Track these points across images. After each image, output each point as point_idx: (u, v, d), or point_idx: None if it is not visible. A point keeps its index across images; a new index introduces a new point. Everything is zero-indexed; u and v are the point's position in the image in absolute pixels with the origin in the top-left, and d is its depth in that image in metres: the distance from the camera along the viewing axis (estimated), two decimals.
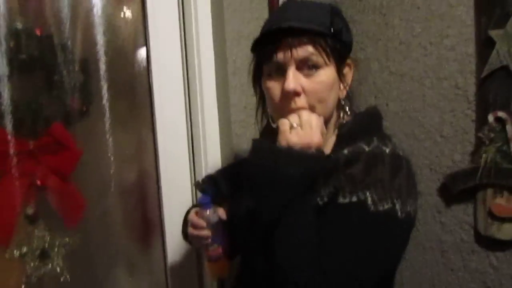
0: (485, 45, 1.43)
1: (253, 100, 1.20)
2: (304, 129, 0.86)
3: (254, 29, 1.11)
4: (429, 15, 1.58)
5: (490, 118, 1.43)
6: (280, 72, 0.92)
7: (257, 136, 1.26)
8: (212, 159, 1.43)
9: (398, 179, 0.89)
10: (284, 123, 0.89)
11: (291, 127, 0.88)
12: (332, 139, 0.99)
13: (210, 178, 1.21)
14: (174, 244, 1.45)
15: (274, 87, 0.94)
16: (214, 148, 1.43)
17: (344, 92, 0.98)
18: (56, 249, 1.42)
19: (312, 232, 0.84)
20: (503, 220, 1.46)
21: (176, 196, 1.43)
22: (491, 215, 1.47)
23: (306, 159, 0.84)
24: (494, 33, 1.39)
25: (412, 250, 1.72)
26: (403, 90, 1.68)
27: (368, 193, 0.84)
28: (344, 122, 1.00)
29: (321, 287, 0.79)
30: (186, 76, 1.43)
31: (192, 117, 1.45)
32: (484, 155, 1.44)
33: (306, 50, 0.89)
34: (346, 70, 1.00)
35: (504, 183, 1.42)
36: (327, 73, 0.91)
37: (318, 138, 0.87)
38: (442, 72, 1.57)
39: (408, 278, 1.74)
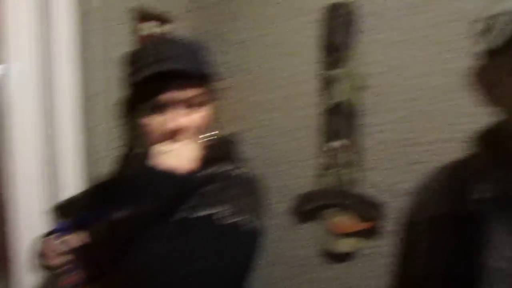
0: (327, 83, 1.64)
1: (116, 123, 1.21)
2: (176, 156, 0.93)
3: (117, 53, 1.13)
4: (283, 52, 1.77)
5: (332, 145, 1.64)
6: (161, 109, 0.97)
7: (118, 160, 1.26)
8: (72, 182, 1.39)
9: (249, 197, 0.99)
10: (157, 147, 0.93)
11: (164, 151, 0.94)
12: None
13: (68, 203, 1.19)
14: (24, 277, 1.35)
15: (154, 123, 0.97)
16: (73, 172, 1.39)
17: (211, 121, 1.05)
18: None
19: (170, 244, 0.89)
20: (343, 235, 1.66)
21: (28, 223, 1.34)
22: (333, 231, 1.67)
23: (177, 181, 0.90)
24: (334, 73, 1.61)
25: (266, 266, 1.85)
26: (261, 118, 1.83)
27: (220, 208, 0.92)
28: (209, 145, 1.07)
29: None
30: (45, 98, 1.37)
31: (50, 140, 1.39)
32: (327, 178, 1.64)
33: (191, 92, 0.96)
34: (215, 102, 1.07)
35: (343, 203, 1.63)
36: (206, 110, 0.99)
37: (189, 166, 0.93)
38: (294, 104, 1.75)
39: None
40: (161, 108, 0.97)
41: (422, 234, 0.81)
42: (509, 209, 0.61)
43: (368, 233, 1.63)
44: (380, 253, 1.62)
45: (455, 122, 1.48)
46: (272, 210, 1.82)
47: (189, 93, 0.96)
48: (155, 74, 0.93)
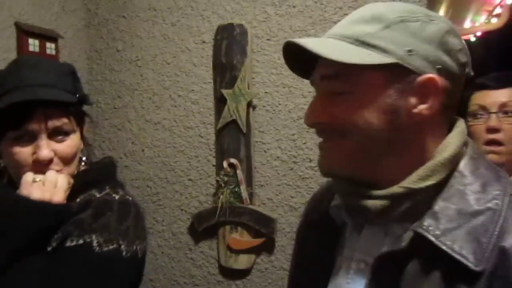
0: (220, 101, 1.67)
1: None
2: (47, 186, 0.88)
3: None
4: (177, 71, 1.77)
5: (225, 164, 1.66)
6: (29, 138, 0.92)
7: None
8: None
9: (126, 222, 0.95)
10: (27, 176, 0.89)
11: (34, 181, 0.89)
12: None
13: None
14: None
15: (21, 152, 0.92)
16: None
17: (82, 147, 1.01)
18: None
19: (42, 277, 0.85)
20: (238, 252, 1.68)
21: None
22: (230, 248, 1.69)
23: (44, 211, 0.86)
24: (225, 92, 1.64)
25: (168, 286, 1.82)
26: (157, 137, 1.82)
27: (94, 236, 0.88)
28: (80, 171, 1.04)
29: None
30: None
31: None
32: (221, 196, 1.66)
33: (59, 120, 0.92)
34: (85, 128, 1.03)
35: (237, 220, 1.66)
36: (75, 137, 0.96)
37: (60, 197, 0.89)
38: (189, 122, 1.76)
39: None
40: (27, 136, 0.93)
41: (296, 239, 0.87)
42: (353, 214, 0.68)
43: (261, 249, 1.67)
44: (275, 267, 1.67)
45: None
46: (168, 230, 1.81)
47: (55, 122, 0.92)
48: (18, 102, 0.90)
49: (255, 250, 1.67)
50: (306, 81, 1.56)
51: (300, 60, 0.70)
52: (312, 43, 0.62)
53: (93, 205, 0.93)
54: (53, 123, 0.92)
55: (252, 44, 1.64)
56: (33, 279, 0.85)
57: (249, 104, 1.62)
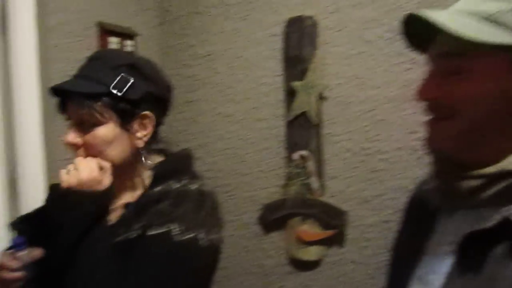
0: (290, 94, 1.68)
1: None
2: (77, 171, 0.96)
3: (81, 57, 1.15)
4: (248, 64, 1.80)
5: (295, 156, 1.67)
6: (68, 125, 1.01)
7: None
8: (34, 198, 1.40)
9: (203, 212, 0.98)
10: (62, 170, 0.97)
11: (68, 171, 0.98)
12: (146, 180, 1.06)
13: (25, 218, 1.20)
14: None
15: (64, 136, 1.02)
16: (35, 187, 1.40)
17: (141, 142, 1.01)
18: None
19: (107, 265, 0.91)
20: (309, 243, 1.69)
21: None
22: (300, 240, 1.70)
23: (80, 198, 0.94)
24: (296, 84, 1.64)
25: (238, 275, 1.87)
26: (228, 129, 1.86)
27: (173, 225, 0.92)
28: (158, 163, 1.08)
29: None
30: (6, 114, 1.39)
31: (12, 156, 1.40)
32: (291, 188, 1.67)
33: (78, 112, 0.97)
34: (146, 121, 1.01)
35: (308, 212, 1.66)
36: (104, 130, 0.97)
37: (87, 176, 0.96)
38: (259, 114, 1.79)
39: None
40: (68, 124, 1.00)
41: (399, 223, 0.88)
42: (446, 195, 0.68)
43: (331, 241, 1.67)
44: (344, 260, 1.66)
45: (411, 131, 1.52)
46: (238, 220, 1.86)
47: (80, 111, 0.96)
48: (52, 90, 0.97)
49: (325, 242, 1.67)
50: (379, 72, 1.54)
51: (417, 33, 0.69)
52: (439, 18, 0.60)
53: (171, 195, 0.96)
54: (77, 112, 0.96)
55: (323, 36, 1.64)
56: (110, 267, 0.91)
57: (320, 96, 1.62)
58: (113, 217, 1.02)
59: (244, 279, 1.87)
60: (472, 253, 0.61)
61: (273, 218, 1.74)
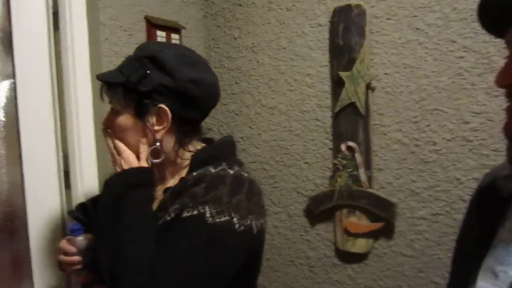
0: (337, 84, 1.66)
1: None
2: (123, 158, 1.03)
3: (130, 51, 1.17)
4: (293, 55, 1.79)
5: (343, 147, 1.65)
6: None
7: None
8: (88, 187, 1.45)
9: (238, 196, 0.96)
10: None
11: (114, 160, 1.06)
12: (186, 167, 1.07)
13: (81, 205, 1.25)
14: (43, 276, 1.42)
15: None
16: (90, 177, 1.45)
17: (160, 133, 1.02)
18: None
19: (147, 243, 0.93)
20: (356, 236, 1.67)
21: (45, 226, 1.41)
22: (347, 232, 1.68)
23: (122, 176, 1.00)
24: (343, 74, 1.62)
25: (284, 266, 1.88)
26: (273, 121, 1.86)
27: (207, 208, 0.91)
28: (198, 150, 1.09)
29: None
30: (59, 107, 1.44)
31: (67, 145, 1.45)
32: (339, 179, 1.66)
33: (110, 98, 1.04)
34: (161, 114, 1.01)
35: (356, 204, 1.64)
36: (122, 118, 1.03)
37: (131, 162, 1.01)
38: (305, 106, 1.77)
39: None
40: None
41: (467, 210, 0.86)
42: None
43: (379, 234, 1.64)
44: (392, 253, 1.63)
45: (464, 121, 1.48)
46: (284, 212, 1.86)
47: (109, 99, 1.03)
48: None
49: (373, 235, 1.65)
50: (430, 61, 1.50)
51: (496, 17, 0.67)
52: None
53: (207, 179, 0.96)
54: (111, 100, 1.04)
55: (371, 25, 1.60)
56: (150, 248, 0.93)
57: (368, 86, 1.59)
58: (155, 203, 1.04)
59: (289, 270, 1.87)
60: None
61: (320, 210, 1.73)
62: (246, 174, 1.02)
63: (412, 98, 1.55)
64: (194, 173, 1.00)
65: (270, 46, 1.85)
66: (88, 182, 1.50)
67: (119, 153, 1.04)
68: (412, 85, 1.55)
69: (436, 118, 1.52)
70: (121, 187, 0.98)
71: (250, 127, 1.93)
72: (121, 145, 1.04)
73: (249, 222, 0.95)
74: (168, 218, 0.95)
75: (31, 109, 1.38)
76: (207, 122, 2.12)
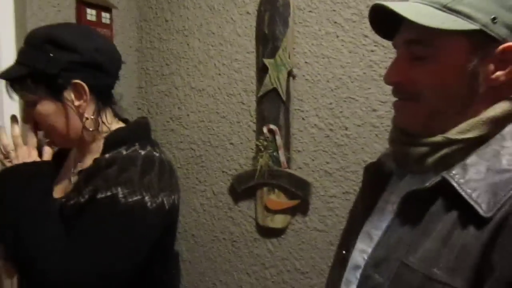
0: (261, 70, 1.76)
1: None
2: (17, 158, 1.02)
3: None
4: (222, 40, 1.87)
5: (265, 129, 1.76)
6: None
7: None
8: None
9: (149, 176, 1.00)
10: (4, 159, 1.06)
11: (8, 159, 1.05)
12: (100, 148, 1.10)
13: None
14: None
15: None
16: None
17: (83, 107, 1.03)
18: None
19: (54, 225, 0.96)
20: (275, 212, 1.80)
21: None
22: (267, 208, 1.81)
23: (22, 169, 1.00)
24: (267, 61, 1.72)
25: (209, 242, 1.98)
26: (201, 103, 1.94)
27: (119, 189, 0.95)
28: (112, 131, 1.11)
29: (66, 272, 0.90)
30: None
31: None
32: (260, 160, 1.77)
33: (19, 93, 1.03)
34: (79, 89, 1.02)
35: (275, 182, 1.77)
36: (40, 106, 1.02)
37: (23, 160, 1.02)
38: (231, 89, 1.87)
39: (205, 267, 1.99)
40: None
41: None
42: (398, 160, 0.77)
43: (296, 210, 1.79)
44: (307, 228, 1.78)
45: (372, 109, 1.63)
46: (210, 190, 1.95)
47: (24, 93, 1.02)
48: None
49: (290, 211, 1.79)
50: (345, 52, 1.65)
51: (383, 21, 0.75)
52: (401, 7, 0.66)
53: (119, 161, 1.00)
54: (19, 95, 1.04)
55: (294, 16, 1.71)
56: (48, 228, 0.96)
57: (290, 74, 1.71)
58: (69, 185, 1.07)
59: (213, 245, 1.97)
60: (411, 210, 0.70)
61: (243, 189, 1.84)
62: (157, 154, 1.06)
63: (329, 86, 1.69)
64: (107, 155, 1.03)
65: (200, 30, 1.91)
66: None
67: (15, 149, 1.04)
68: (328, 74, 1.68)
69: (348, 106, 1.66)
70: (19, 180, 0.99)
71: (179, 108, 1.99)
72: (19, 141, 1.05)
73: (160, 199, 0.99)
74: (82, 200, 0.98)
75: None
76: (137, 102, 2.15)
